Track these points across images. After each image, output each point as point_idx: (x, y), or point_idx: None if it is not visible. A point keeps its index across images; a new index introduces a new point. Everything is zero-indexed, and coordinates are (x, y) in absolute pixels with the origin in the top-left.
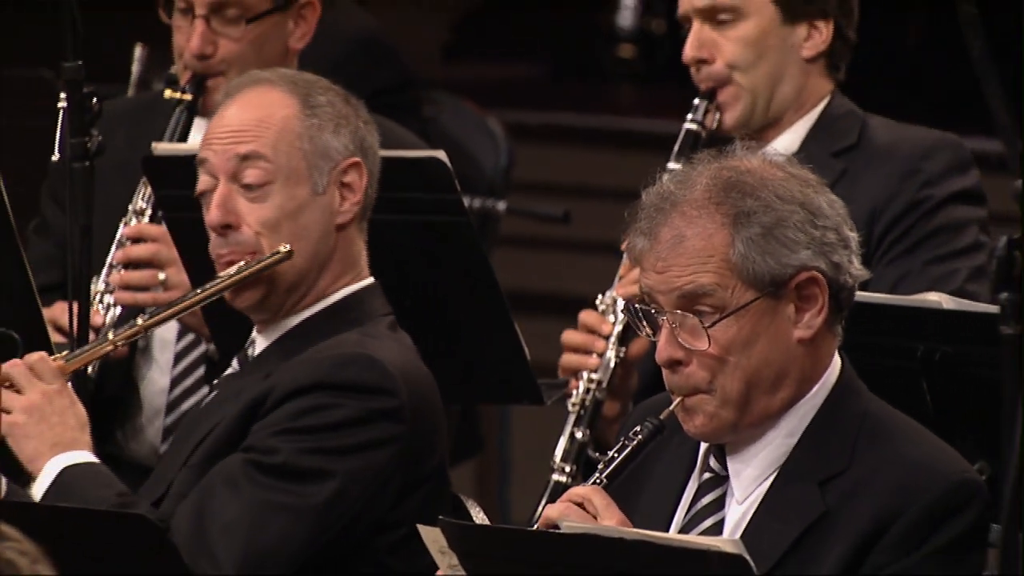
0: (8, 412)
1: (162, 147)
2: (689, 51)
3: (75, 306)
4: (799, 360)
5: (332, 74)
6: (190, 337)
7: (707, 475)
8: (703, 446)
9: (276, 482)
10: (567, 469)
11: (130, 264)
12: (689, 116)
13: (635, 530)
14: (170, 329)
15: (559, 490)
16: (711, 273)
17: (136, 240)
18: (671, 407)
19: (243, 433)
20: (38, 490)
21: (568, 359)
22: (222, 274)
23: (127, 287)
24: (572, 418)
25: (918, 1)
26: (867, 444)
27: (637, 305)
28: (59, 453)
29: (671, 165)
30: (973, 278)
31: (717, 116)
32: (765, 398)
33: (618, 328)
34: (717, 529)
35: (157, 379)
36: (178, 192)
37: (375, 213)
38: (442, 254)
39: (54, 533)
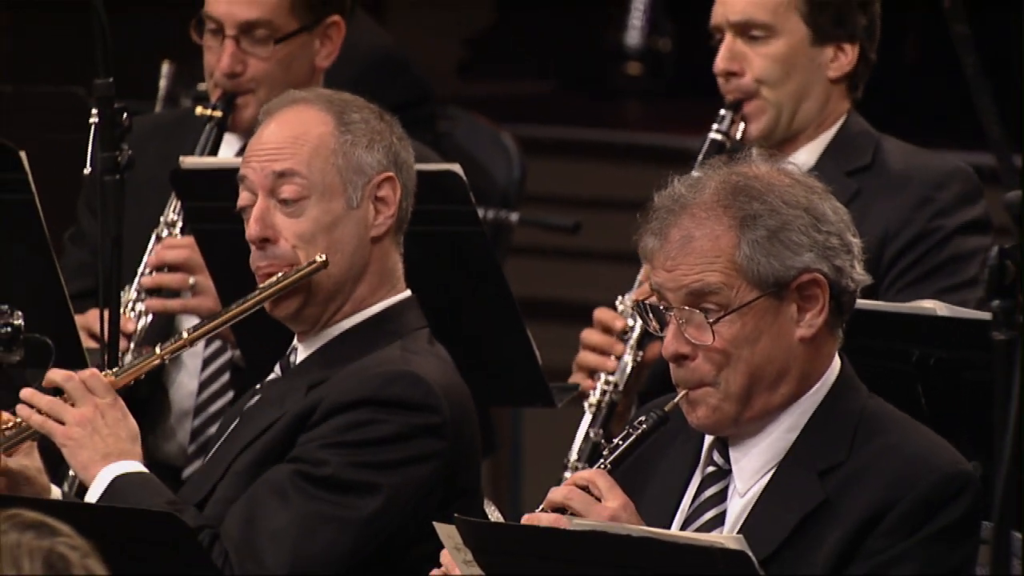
0: (63, 424)
1: (189, 161)
2: (720, 63)
3: (106, 313)
4: (800, 358)
5: (351, 90)
6: (217, 343)
7: (710, 468)
8: (706, 442)
9: (324, 493)
10: (581, 467)
11: (162, 268)
12: (715, 126)
13: (641, 527)
14: None
15: None
16: (717, 272)
17: (169, 248)
18: (676, 399)
19: (290, 443)
20: (91, 498)
21: (586, 357)
22: (262, 285)
23: (159, 290)
24: (588, 418)
25: (914, 23)
26: (865, 437)
27: (646, 301)
28: (111, 463)
29: (695, 172)
30: (981, 307)
31: (741, 127)
32: (766, 393)
33: (636, 332)
34: (719, 520)
35: (185, 383)
36: (204, 204)
37: None
38: (457, 263)
39: (97, 532)
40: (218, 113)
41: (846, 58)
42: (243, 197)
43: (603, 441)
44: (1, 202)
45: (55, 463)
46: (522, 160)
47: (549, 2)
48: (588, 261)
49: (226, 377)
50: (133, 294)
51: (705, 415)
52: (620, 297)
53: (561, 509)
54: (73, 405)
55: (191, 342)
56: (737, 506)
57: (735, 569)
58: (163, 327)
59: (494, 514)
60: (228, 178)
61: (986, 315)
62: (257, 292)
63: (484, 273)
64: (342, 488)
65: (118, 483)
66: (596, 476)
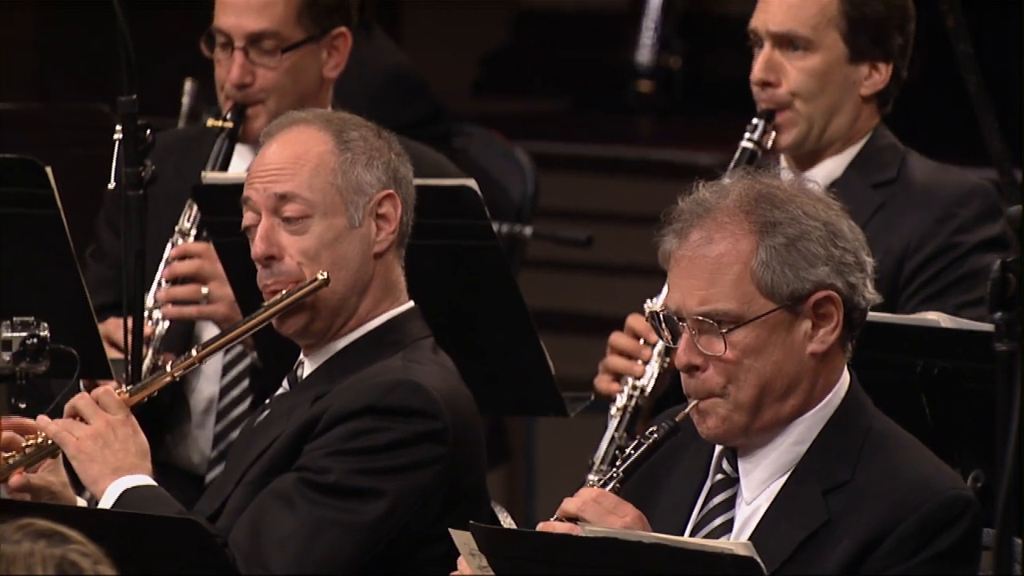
0: (76, 438)
1: (211, 176)
2: (758, 72)
3: (130, 323)
4: (810, 372)
5: (369, 107)
6: (237, 349)
7: (719, 476)
8: (716, 451)
9: (328, 499)
10: (604, 469)
11: (175, 280)
12: (746, 135)
13: (652, 533)
14: None
15: None
16: (731, 286)
17: (181, 257)
18: (687, 410)
19: (296, 452)
20: None
21: (615, 361)
22: (267, 302)
23: (173, 301)
24: (614, 422)
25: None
26: (869, 458)
27: (660, 311)
28: (121, 477)
29: (727, 179)
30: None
31: (772, 136)
32: (776, 405)
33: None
34: (727, 527)
35: (205, 388)
36: (226, 218)
37: (411, 237)
38: (473, 276)
39: (113, 538)
40: (229, 124)
41: (880, 76)
42: (247, 217)
43: (616, 451)
44: (28, 216)
45: None
46: (536, 175)
47: (562, 22)
48: (600, 274)
49: (246, 382)
50: (150, 302)
51: (715, 425)
52: (649, 300)
53: (575, 519)
54: (86, 422)
55: (201, 359)
56: (744, 513)
57: (744, 574)
58: (180, 333)
59: (506, 520)
60: None
61: (988, 327)
62: (264, 308)
63: (499, 285)
64: (346, 494)
65: (127, 496)
66: (600, 497)
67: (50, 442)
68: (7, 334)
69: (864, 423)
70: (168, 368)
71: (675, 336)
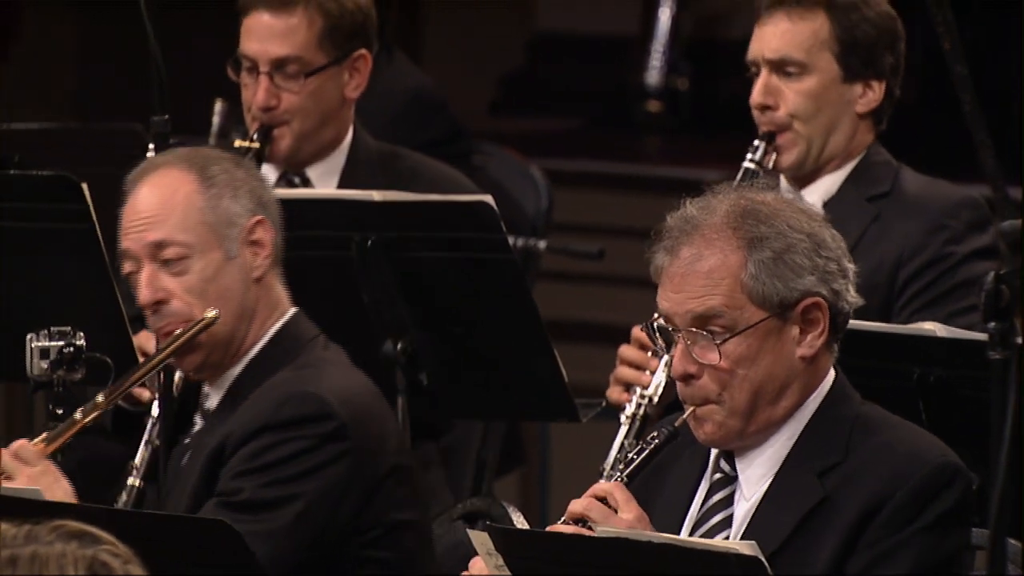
0: None
1: None
2: (757, 97)
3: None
4: (800, 375)
5: (391, 127)
6: None
7: (717, 475)
8: (713, 452)
9: (245, 515)
10: (615, 476)
11: None
12: (748, 156)
13: (661, 534)
14: None
15: None
16: (723, 295)
17: None
18: (684, 416)
19: (213, 480)
20: None
21: (623, 372)
22: (162, 344)
23: None
24: (624, 429)
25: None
26: (860, 438)
27: (654, 323)
28: None
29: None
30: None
31: (773, 157)
32: (769, 408)
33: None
34: (727, 523)
35: None
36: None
37: (428, 251)
38: (489, 287)
39: (143, 538)
40: (256, 144)
41: (873, 94)
42: (127, 265)
43: (619, 455)
44: (64, 231)
45: (104, 482)
46: (550, 191)
47: (575, 46)
48: (611, 286)
49: None
50: None
51: (712, 431)
52: (656, 315)
53: (582, 520)
54: (9, 478)
55: (107, 405)
56: (743, 510)
57: (748, 573)
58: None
59: (520, 521)
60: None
61: (982, 336)
62: (160, 351)
63: (514, 296)
64: (260, 507)
65: None
66: (614, 489)
67: None
68: (45, 343)
69: (852, 410)
70: (78, 416)
71: (669, 345)
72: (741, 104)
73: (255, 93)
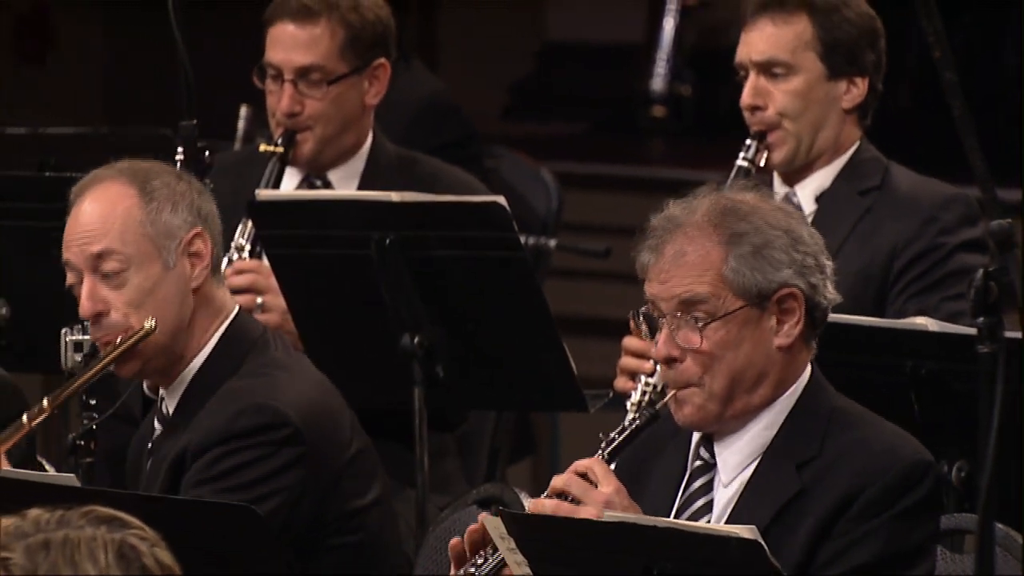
0: None
1: (264, 194)
2: (746, 98)
3: None
4: (778, 364)
5: (409, 130)
6: None
7: (697, 463)
8: (694, 440)
9: None
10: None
11: (232, 291)
12: (741, 154)
13: (664, 519)
14: None
15: None
16: (706, 284)
17: (237, 272)
18: (665, 399)
19: (176, 488)
20: None
21: (627, 361)
22: (101, 354)
23: None
24: (630, 415)
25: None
26: (836, 432)
27: (641, 310)
28: None
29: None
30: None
31: (765, 155)
32: (746, 395)
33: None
34: (708, 508)
35: None
36: (278, 231)
37: (443, 250)
38: (502, 284)
39: (170, 523)
40: (280, 149)
41: (857, 90)
42: (70, 276)
43: (600, 434)
44: None
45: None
46: (559, 193)
47: (583, 54)
48: (617, 282)
49: None
50: None
51: (691, 413)
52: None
53: (562, 494)
54: None
55: (52, 409)
56: (723, 496)
57: (747, 556)
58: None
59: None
60: (298, 209)
61: (972, 331)
62: (98, 360)
63: (526, 293)
64: None
65: None
66: (593, 464)
67: None
68: (78, 337)
69: (827, 403)
70: (24, 420)
71: (654, 331)
72: (740, 110)
73: (280, 100)
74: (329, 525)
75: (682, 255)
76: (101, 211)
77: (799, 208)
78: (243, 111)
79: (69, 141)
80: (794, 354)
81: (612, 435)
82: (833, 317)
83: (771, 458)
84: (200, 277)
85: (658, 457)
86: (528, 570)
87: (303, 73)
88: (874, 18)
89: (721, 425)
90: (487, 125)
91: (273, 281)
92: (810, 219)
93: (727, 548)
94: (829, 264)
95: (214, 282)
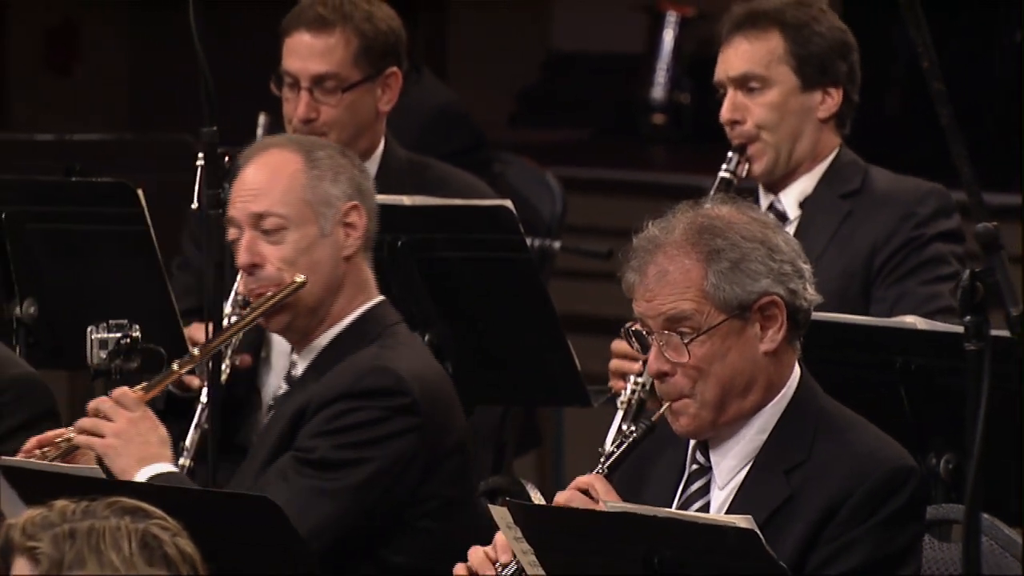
0: (103, 437)
1: None
2: (725, 113)
3: (210, 326)
4: (765, 369)
5: (420, 137)
6: None
7: (694, 467)
8: (691, 445)
9: (316, 472)
10: (597, 469)
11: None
12: (723, 166)
13: (664, 509)
14: (284, 342)
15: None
16: (689, 301)
17: None
18: (661, 411)
19: (292, 439)
20: None
21: (617, 363)
22: (253, 304)
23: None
24: (620, 414)
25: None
26: (823, 437)
27: (631, 328)
28: (145, 466)
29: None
30: (953, 299)
31: (746, 166)
32: (738, 401)
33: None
34: (704, 510)
35: (273, 383)
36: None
37: (452, 251)
38: (508, 284)
39: (190, 513)
40: None
41: (832, 100)
42: (231, 232)
43: (600, 449)
44: (121, 232)
45: None
46: (563, 197)
47: (587, 63)
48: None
49: None
50: (228, 308)
51: (687, 423)
52: (631, 323)
53: None
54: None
55: (203, 358)
56: (719, 498)
57: (744, 545)
58: (253, 334)
59: (537, 497)
60: None
61: (959, 328)
62: (251, 310)
63: (531, 293)
64: (331, 466)
65: (152, 482)
66: (594, 480)
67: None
68: (104, 335)
69: (815, 406)
70: (175, 367)
71: (644, 348)
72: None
73: (296, 107)
74: (418, 505)
75: (664, 274)
76: (267, 174)
77: (784, 215)
78: (261, 119)
79: (94, 147)
80: (780, 357)
81: (611, 448)
82: (827, 316)
83: (761, 464)
84: (352, 247)
85: (656, 462)
86: (534, 558)
87: (318, 81)
88: (845, 31)
89: (716, 431)
90: (495, 132)
91: None
92: (795, 224)
93: (724, 537)
94: (807, 267)
95: (365, 259)
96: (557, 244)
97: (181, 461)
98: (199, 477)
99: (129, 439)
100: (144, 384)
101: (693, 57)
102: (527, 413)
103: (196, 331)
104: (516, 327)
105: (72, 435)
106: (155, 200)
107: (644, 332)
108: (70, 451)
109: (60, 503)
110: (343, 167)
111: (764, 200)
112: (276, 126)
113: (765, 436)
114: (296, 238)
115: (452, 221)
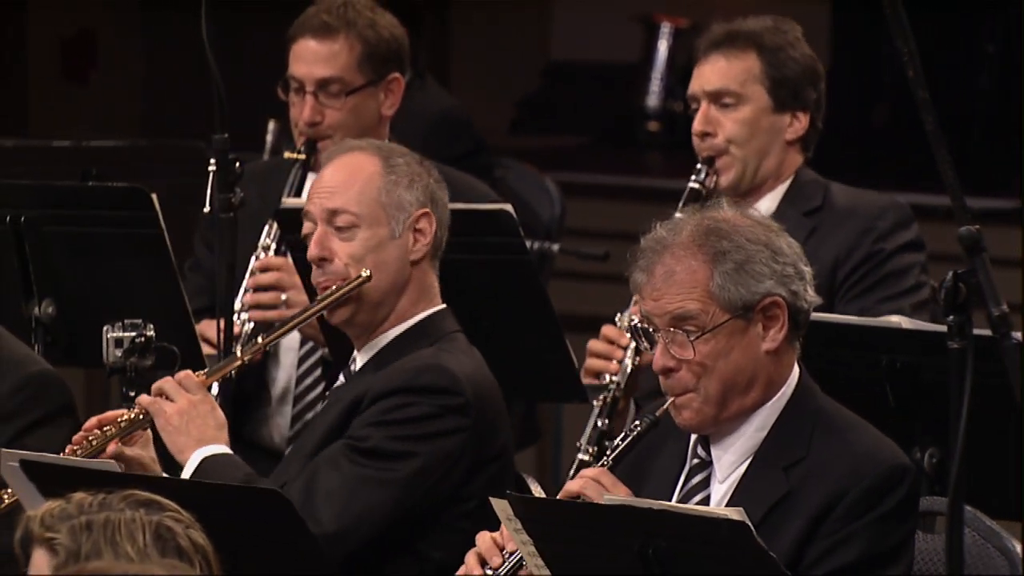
0: (166, 414)
1: (290, 202)
2: (698, 125)
3: (222, 324)
4: (766, 367)
5: (423, 141)
6: (309, 344)
7: (695, 460)
8: (692, 440)
9: (368, 461)
10: (590, 450)
11: (259, 288)
12: (692, 177)
13: (660, 501)
14: (293, 338)
15: (582, 466)
16: (695, 301)
17: (264, 269)
18: (665, 406)
19: (346, 427)
20: (185, 475)
21: (592, 363)
22: (320, 296)
23: (257, 306)
24: (596, 411)
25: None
26: (821, 435)
27: (638, 325)
28: (201, 447)
29: (677, 214)
30: (915, 311)
31: (714, 179)
32: (739, 397)
33: (634, 342)
34: (705, 503)
35: (283, 378)
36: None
37: (455, 253)
38: (509, 285)
39: (203, 506)
40: (302, 156)
41: (800, 124)
42: (306, 226)
43: (607, 442)
44: (136, 235)
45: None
46: (562, 201)
47: (585, 72)
48: (615, 284)
49: (319, 371)
50: (238, 306)
51: (690, 417)
52: (619, 314)
53: (577, 498)
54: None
55: (267, 345)
56: (718, 492)
57: (736, 537)
58: (263, 333)
59: (536, 490)
60: None
61: (942, 328)
62: (317, 301)
63: (531, 293)
64: (382, 456)
65: (207, 463)
66: (600, 475)
67: (142, 417)
68: (119, 334)
69: (813, 405)
70: (238, 353)
71: (651, 344)
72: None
73: (302, 111)
74: (460, 505)
75: (671, 274)
76: (345, 174)
77: None
78: (271, 126)
79: (109, 153)
80: (781, 356)
81: (616, 441)
82: (818, 317)
83: (761, 460)
84: (420, 252)
85: (657, 455)
86: (533, 549)
87: (323, 85)
88: (815, 59)
89: (718, 427)
90: (496, 138)
91: (297, 279)
92: None
93: (718, 529)
94: (807, 269)
95: (432, 266)
96: (556, 247)
97: None
98: None
99: (190, 419)
100: (207, 369)
101: (687, 67)
102: (527, 409)
103: (205, 328)
104: (516, 326)
105: (130, 415)
106: (168, 204)
107: (651, 329)
108: (133, 428)
109: (78, 496)
110: (419, 175)
111: None
112: (285, 132)
113: (765, 433)
114: (366, 236)
115: (454, 224)
